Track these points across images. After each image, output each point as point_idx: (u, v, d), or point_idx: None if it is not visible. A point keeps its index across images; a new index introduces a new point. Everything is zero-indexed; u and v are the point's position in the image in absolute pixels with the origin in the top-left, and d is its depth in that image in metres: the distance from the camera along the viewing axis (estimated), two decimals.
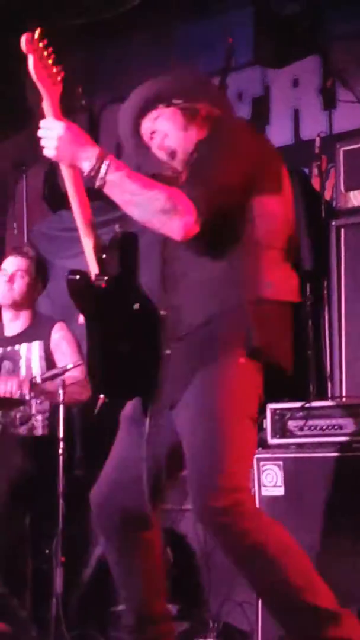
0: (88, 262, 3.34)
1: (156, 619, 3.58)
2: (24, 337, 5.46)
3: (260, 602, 4.13)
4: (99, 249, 3.32)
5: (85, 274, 3.34)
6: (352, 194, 5.03)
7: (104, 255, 3.33)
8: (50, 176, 7.49)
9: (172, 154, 3.52)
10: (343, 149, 5.31)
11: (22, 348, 5.42)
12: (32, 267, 5.53)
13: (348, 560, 3.95)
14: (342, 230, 4.91)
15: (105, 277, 3.31)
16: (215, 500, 3.19)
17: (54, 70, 3.25)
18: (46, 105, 3.27)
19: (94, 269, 3.32)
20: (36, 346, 5.40)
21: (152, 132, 3.56)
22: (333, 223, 4.95)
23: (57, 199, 7.39)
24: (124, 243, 3.36)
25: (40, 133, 3.23)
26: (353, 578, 3.87)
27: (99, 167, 3.20)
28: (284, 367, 3.41)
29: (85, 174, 3.23)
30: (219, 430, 3.25)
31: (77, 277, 3.33)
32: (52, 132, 3.22)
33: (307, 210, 5.18)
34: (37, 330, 5.46)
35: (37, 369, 5.35)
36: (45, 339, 5.40)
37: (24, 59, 3.17)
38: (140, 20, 6.34)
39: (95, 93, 7.29)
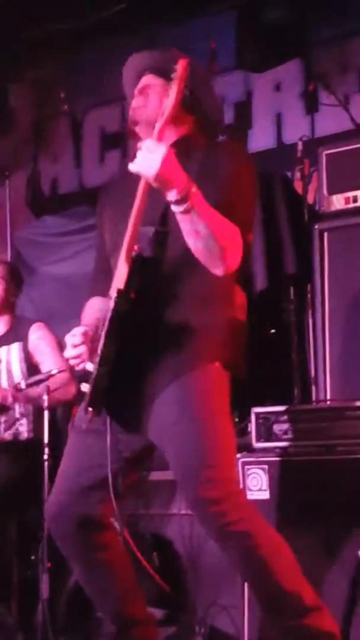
0: (116, 277, 3.38)
1: (138, 621, 3.60)
2: (4, 340, 5.46)
3: (246, 606, 4.13)
4: (130, 269, 3.36)
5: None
6: (335, 197, 5.04)
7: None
8: (33, 182, 7.49)
9: (137, 123, 3.58)
10: (325, 152, 5.32)
11: (2, 351, 5.42)
12: (8, 273, 5.53)
13: (332, 563, 3.96)
14: (325, 234, 4.92)
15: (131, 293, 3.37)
16: (207, 491, 3.29)
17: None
18: (157, 126, 3.31)
19: (119, 284, 3.35)
20: (15, 348, 5.40)
21: (141, 90, 3.63)
22: (316, 227, 4.95)
23: (40, 205, 7.39)
24: (141, 263, 3.39)
25: (142, 151, 3.22)
26: (336, 581, 3.87)
27: (186, 196, 3.23)
28: (242, 378, 3.57)
29: (171, 198, 3.25)
30: (203, 424, 3.36)
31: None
32: (155, 154, 3.21)
33: (289, 214, 5.19)
34: (16, 332, 5.46)
35: (17, 371, 5.34)
36: (24, 340, 5.40)
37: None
38: (122, 25, 6.34)
39: (78, 97, 7.28)
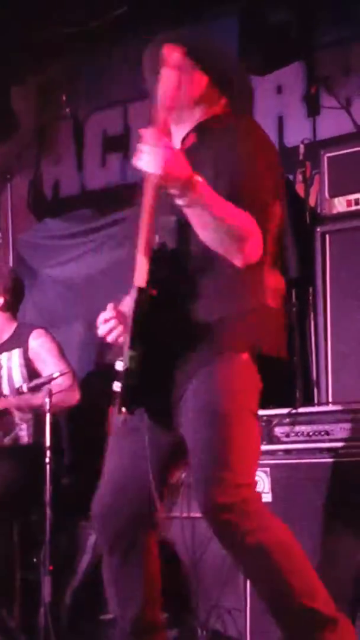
0: (137, 273, 3.29)
1: (156, 628, 3.57)
2: (5, 346, 5.47)
3: (248, 609, 4.13)
4: (152, 262, 3.28)
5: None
6: (336, 200, 5.04)
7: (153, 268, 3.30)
8: (35, 185, 7.49)
9: (168, 108, 3.43)
10: (327, 155, 5.32)
11: (3, 357, 5.43)
12: (8, 286, 5.52)
13: (336, 564, 3.95)
14: (327, 237, 4.92)
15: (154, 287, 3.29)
16: (221, 496, 3.20)
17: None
18: (156, 123, 3.25)
19: (141, 281, 3.28)
20: (16, 354, 5.41)
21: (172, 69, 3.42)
22: (318, 229, 4.96)
23: (42, 208, 7.39)
24: (162, 254, 3.34)
25: (145, 147, 3.16)
26: (341, 582, 3.87)
27: (188, 189, 3.17)
28: (283, 360, 3.49)
29: (175, 192, 3.19)
30: (223, 426, 3.27)
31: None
32: (157, 149, 3.16)
33: (291, 217, 5.18)
34: (17, 338, 5.47)
35: (17, 376, 5.36)
36: (24, 347, 5.41)
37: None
38: (124, 28, 6.35)
39: (79, 101, 7.29)
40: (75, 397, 5.32)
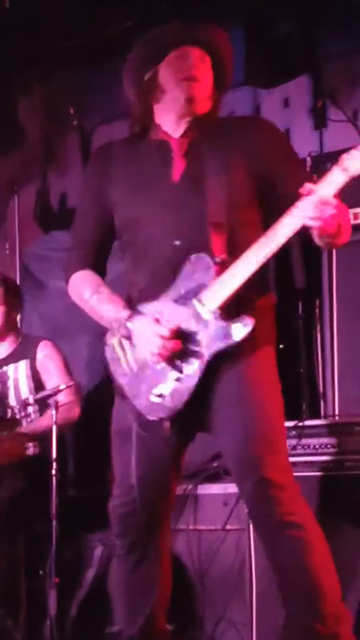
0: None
1: (162, 637, 3.62)
2: (11, 358, 5.48)
3: (254, 623, 4.12)
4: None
5: None
6: None
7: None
8: (42, 197, 7.50)
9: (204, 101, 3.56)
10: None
11: (10, 369, 5.43)
12: (7, 293, 5.52)
13: (341, 580, 3.94)
14: (334, 250, 4.92)
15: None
16: (273, 473, 3.29)
17: None
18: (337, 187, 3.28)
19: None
20: (23, 365, 5.42)
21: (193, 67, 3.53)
22: None
23: (49, 220, 7.40)
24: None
25: (323, 205, 3.21)
26: (345, 597, 3.86)
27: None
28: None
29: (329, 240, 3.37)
30: (270, 406, 3.39)
31: None
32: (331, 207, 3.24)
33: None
34: (23, 350, 5.48)
35: (24, 388, 5.36)
36: (31, 358, 5.41)
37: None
38: (132, 41, 6.36)
39: (87, 113, 7.30)
40: (76, 412, 5.32)
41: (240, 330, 3.32)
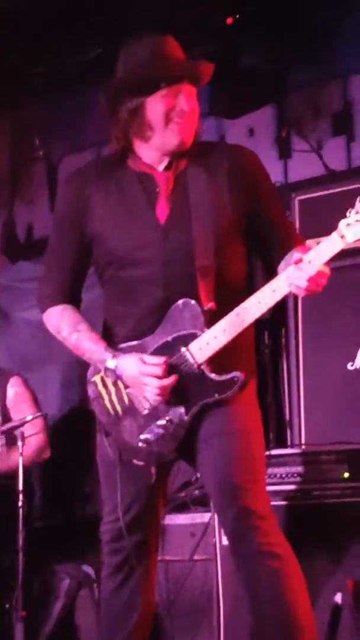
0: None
1: None
2: None
3: None
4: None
5: None
6: (307, 242, 5.06)
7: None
8: (8, 228, 7.49)
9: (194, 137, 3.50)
10: (298, 198, 5.37)
11: None
12: None
13: (312, 606, 3.94)
14: None
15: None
16: (254, 503, 3.30)
17: None
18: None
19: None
20: None
21: (187, 109, 3.43)
22: None
23: (15, 250, 7.38)
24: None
25: (319, 278, 3.23)
26: (317, 624, 3.86)
27: None
28: None
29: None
30: (253, 438, 3.40)
31: None
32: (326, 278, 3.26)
33: (263, 259, 5.20)
34: None
35: None
36: (2, 393, 5.40)
37: None
38: (99, 70, 6.38)
39: (53, 142, 7.30)
40: (45, 453, 5.31)
41: (230, 385, 3.33)
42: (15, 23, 5.89)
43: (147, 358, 3.36)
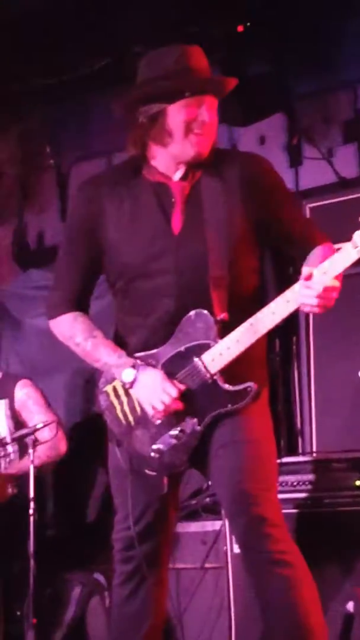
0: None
1: None
2: None
3: None
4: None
5: None
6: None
7: None
8: (18, 235, 7.50)
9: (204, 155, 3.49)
10: (309, 205, 5.37)
11: None
12: None
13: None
14: None
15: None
16: (267, 511, 3.30)
17: None
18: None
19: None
20: (2, 405, 5.39)
21: (208, 120, 3.44)
22: None
23: (26, 258, 7.39)
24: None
25: (328, 292, 3.23)
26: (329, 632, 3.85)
27: None
28: None
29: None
30: (265, 447, 3.42)
31: None
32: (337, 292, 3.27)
33: (275, 267, 5.20)
34: (2, 389, 5.45)
35: (3, 428, 5.34)
36: (10, 397, 5.39)
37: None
38: (108, 79, 6.39)
39: (63, 151, 7.31)
40: (62, 448, 5.30)
41: (243, 395, 3.34)
42: (22, 34, 5.91)
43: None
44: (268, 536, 3.29)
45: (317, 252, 3.42)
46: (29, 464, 4.87)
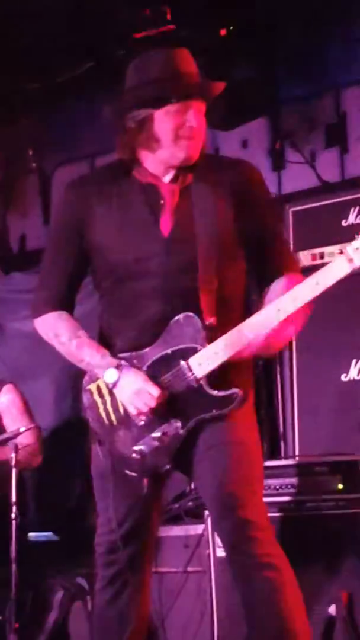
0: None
1: None
2: None
3: None
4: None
5: None
6: (301, 254, 5.08)
7: None
8: (1, 239, 7.49)
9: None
10: (292, 209, 5.39)
11: None
12: None
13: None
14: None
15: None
16: (252, 515, 3.30)
17: None
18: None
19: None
20: None
21: (196, 125, 3.43)
22: None
23: (8, 262, 7.38)
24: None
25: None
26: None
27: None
28: None
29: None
30: (252, 449, 3.42)
31: None
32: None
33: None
34: None
35: None
36: None
37: None
38: (91, 83, 6.39)
39: (47, 154, 7.31)
40: (37, 459, 5.30)
41: (228, 401, 3.33)
42: (4, 38, 5.91)
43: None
44: (254, 539, 3.29)
45: (280, 283, 3.41)
46: (4, 457, 4.85)
